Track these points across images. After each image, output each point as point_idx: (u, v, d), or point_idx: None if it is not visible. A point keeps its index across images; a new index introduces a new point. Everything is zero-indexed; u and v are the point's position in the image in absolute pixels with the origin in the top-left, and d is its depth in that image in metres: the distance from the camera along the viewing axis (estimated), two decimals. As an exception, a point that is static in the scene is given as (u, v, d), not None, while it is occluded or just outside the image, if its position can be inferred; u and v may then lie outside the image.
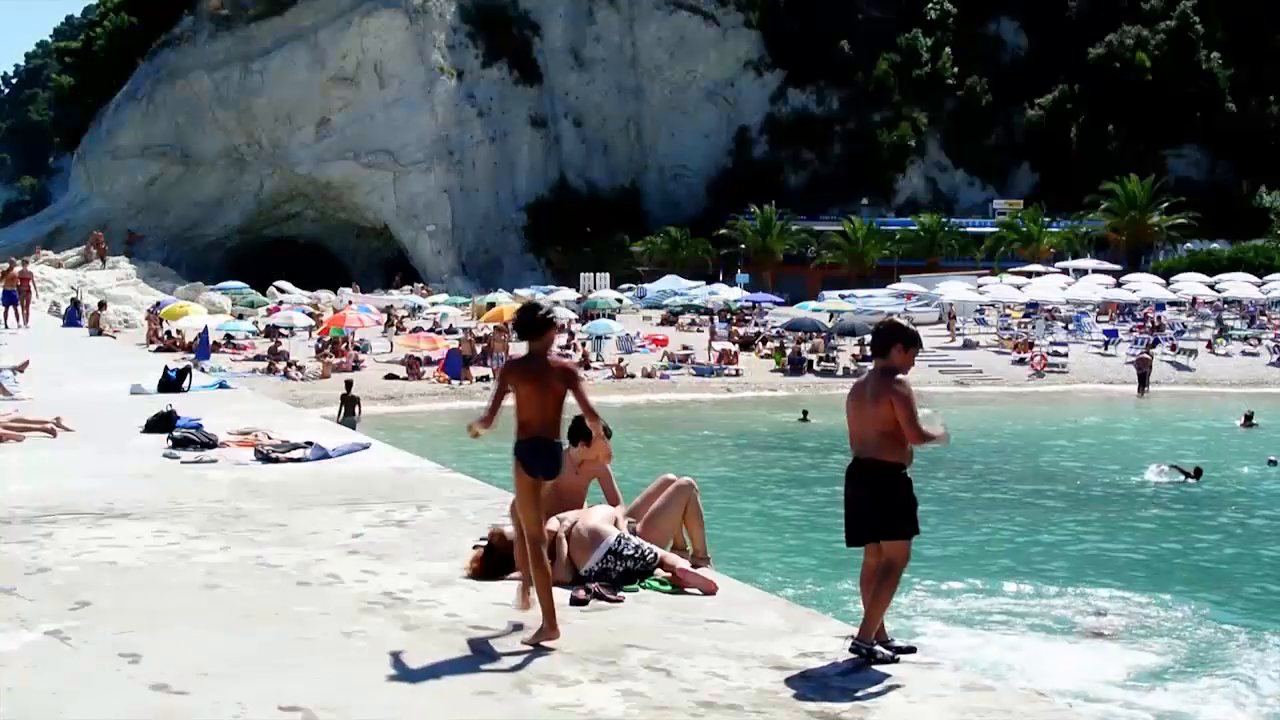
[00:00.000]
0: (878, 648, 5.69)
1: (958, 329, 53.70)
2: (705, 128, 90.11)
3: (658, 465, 19.87)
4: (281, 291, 64.33)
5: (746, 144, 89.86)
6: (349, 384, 29.66)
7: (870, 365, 6.28)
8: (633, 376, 42.79)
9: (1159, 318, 57.06)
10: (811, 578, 16.12)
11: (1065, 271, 67.51)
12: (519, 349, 6.49)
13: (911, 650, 5.91)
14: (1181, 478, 24.57)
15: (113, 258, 62.55)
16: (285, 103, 78.97)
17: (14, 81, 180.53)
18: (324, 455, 11.35)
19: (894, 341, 6.03)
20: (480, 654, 5.75)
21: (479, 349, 43.07)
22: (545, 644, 5.83)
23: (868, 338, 44.07)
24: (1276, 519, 21.70)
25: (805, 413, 35.11)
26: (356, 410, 27.76)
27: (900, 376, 5.91)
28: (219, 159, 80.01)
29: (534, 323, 6.13)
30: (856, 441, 6.01)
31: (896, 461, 5.86)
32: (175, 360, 25.12)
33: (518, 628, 6.12)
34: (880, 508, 5.90)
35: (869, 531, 5.99)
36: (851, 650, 5.69)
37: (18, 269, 35.17)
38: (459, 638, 5.99)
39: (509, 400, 6.09)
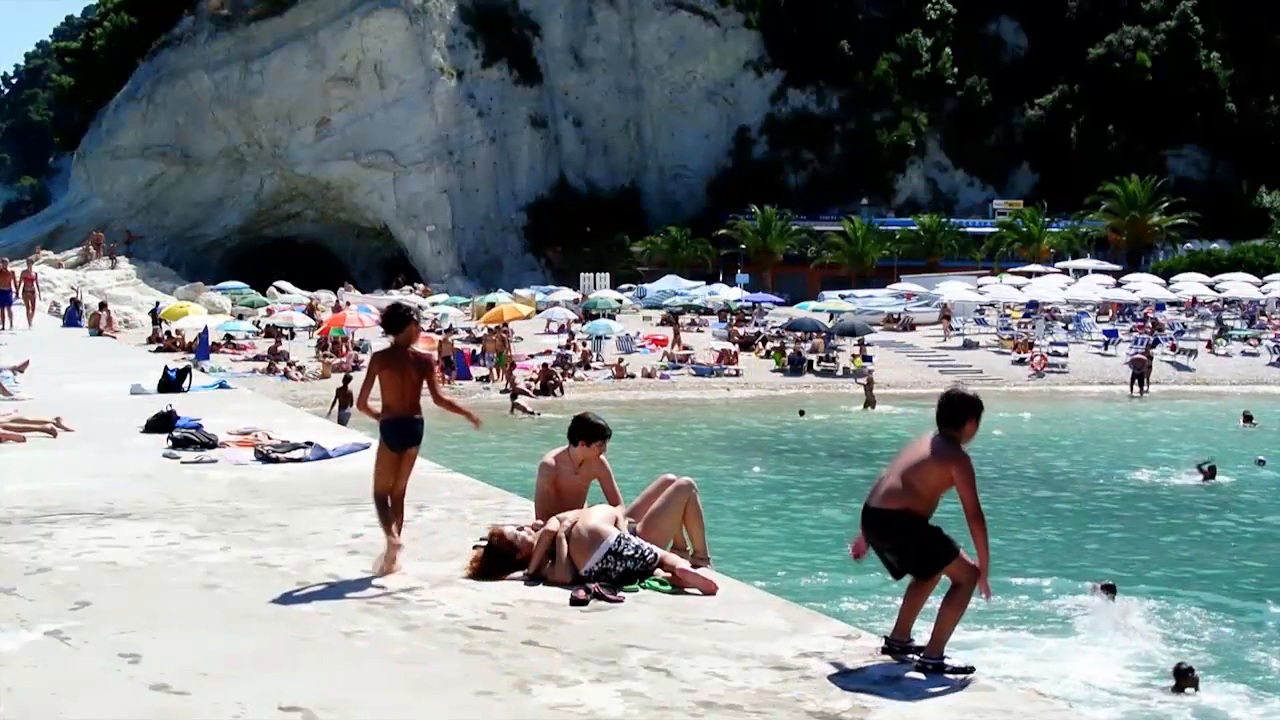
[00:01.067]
0: (946, 661, 5.64)
1: (954, 329, 53.71)
2: (705, 128, 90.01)
3: (657, 465, 19.89)
4: (281, 292, 64.29)
5: (746, 144, 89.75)
6: (346, 379, 30.63)
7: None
8: (633, 376, 42.78)
9: (1159, 318, 57.05)
10: (811, 577, 16.12)
11: (1065, 271, 67.54)
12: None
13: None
14: (1199, 476, 24.52)
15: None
16: (285, 103, 78.90)
17: (14, 81, 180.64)
18: (324, 455, 11.36)
19: (970, 415, 5.79)
20: (480, 654, 5.74)
21: (474, 349, 43.02)
22: (391, 571, 6.99)
23: (866, 336, 43.64)
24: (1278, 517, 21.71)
25: (802, 411, 35.18)
26: (350, 405, 28.50)
27: (967, 450, 5.72)
28: (219, 159, 79.94)
29: (396, 319, 7.29)
30: (876, 485, 5.80)
31: (903, 509, 5.67)
32: (175, 360, 25.17)
33: (520, 627, 6.13)
34: (902, 557, 5.80)
35: (901, 573, 5.90)
36: (917, 668, 5.62)
37: (10, 267, 34.94)
38: (459, 638, 5.99)
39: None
